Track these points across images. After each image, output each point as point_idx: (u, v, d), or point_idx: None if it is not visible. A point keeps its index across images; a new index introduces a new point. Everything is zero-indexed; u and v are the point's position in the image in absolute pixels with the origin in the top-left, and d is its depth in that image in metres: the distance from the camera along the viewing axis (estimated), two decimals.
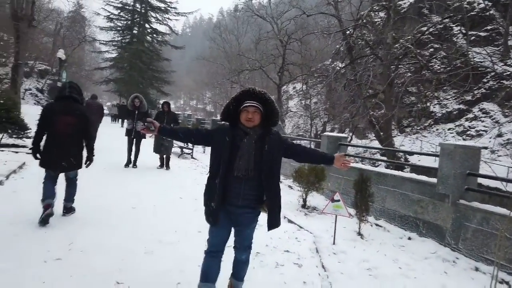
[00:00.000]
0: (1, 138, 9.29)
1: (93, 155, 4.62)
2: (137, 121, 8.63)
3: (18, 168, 6.87)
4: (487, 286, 3.30)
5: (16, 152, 8.56)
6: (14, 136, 9.37)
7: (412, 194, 5.35)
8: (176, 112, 13.54)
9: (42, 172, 4.41)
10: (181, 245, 4.05)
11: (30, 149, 4.60)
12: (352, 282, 3.48)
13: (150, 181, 7.48)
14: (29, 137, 9.57)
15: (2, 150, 8.50)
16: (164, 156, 9.39)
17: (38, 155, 4.32)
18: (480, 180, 5.71)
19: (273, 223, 2.70)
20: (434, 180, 5.00)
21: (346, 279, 3.53)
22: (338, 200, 4.64)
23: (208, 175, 2.71)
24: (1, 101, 9.08)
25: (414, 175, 5.85)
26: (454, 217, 4.63)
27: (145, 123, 2.81)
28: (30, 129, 9.74)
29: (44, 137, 4.35)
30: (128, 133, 9.06)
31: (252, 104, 2.58)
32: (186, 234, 4.41)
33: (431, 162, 12.50)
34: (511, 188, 10.74)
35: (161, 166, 9.43)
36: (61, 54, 21.16)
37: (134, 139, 8.93)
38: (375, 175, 6.03)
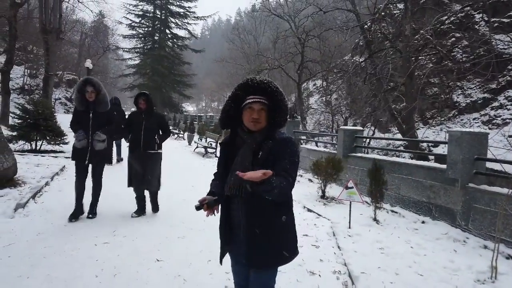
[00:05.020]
0: (41, 145, 10.13)
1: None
2: (94, 132, 4.59)
3: (60, 171, 7.57)
4: (493, 261, 3.57)
5: (55, 157, 9.32)
6: (52, 142, 10.17)
7: (425, 180, 5.61)
8: (193, 114, 11.00)
9: None
10: (209, 231, 4.50)
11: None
12: (365, 258, 3.83)
13: (178, 177, 8.00)
14: (66, 143, 10.37)
15: (43, 155, 9.29)
16: (148, 191, 5.20)
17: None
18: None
19: (255, 258, 1.97)
20: (444, 166, 5.25)
21: (359, 256, 3.89)
22: (352, 187, 4.99)
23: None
24: (40, 111, 9.88)
25: (425, 162, 6.11)
26: (463, 199, 4.88)
27: (200, 204, 2.02)
28: (67, 135, 10.54)
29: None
30: (76, 155, 4.64)
31: (256, 99, 1.91)
32: (213, 223, 4.85)
33: None
34: None
35: (140, 211, 5.08)
36: (88, 63, 22.20)
37: (90, 166, 4.78)
38: (389, 164, 6.31)
